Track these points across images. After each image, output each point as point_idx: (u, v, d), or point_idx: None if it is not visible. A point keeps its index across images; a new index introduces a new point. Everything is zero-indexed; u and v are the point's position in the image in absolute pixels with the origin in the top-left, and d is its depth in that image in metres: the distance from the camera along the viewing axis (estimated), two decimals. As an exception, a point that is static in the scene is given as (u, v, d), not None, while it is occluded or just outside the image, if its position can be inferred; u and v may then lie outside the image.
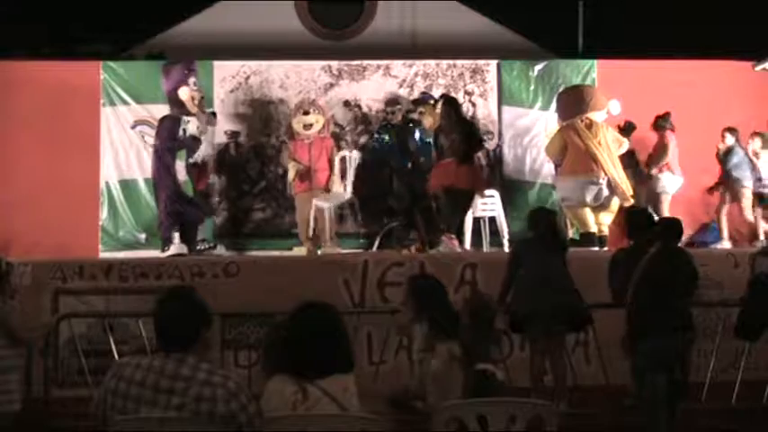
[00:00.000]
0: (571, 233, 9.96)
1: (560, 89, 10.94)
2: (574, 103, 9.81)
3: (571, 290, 6.99)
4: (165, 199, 9.68)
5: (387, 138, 10.42)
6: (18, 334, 5.25)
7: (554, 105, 11.01)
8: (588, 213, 9.50)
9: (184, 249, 9.66)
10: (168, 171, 9.70)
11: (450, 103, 9.82)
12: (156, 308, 3.68)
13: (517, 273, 7.09)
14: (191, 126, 9.91)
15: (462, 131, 9.53)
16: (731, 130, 10.50)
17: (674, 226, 6.39)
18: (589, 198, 9.46)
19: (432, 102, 10.57)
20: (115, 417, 3.54)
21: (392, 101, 10.84)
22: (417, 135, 10.68)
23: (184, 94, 9.85)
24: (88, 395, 7.01)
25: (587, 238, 9.43)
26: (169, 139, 9.74)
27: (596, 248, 9.25)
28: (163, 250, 9.69)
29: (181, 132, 9.84)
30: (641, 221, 6.69)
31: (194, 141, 10.03)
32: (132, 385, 3.53)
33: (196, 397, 3.46)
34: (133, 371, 3.55)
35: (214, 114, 10.30)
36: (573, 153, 9.53)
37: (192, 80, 10.03)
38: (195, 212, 9.93)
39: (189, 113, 9.92)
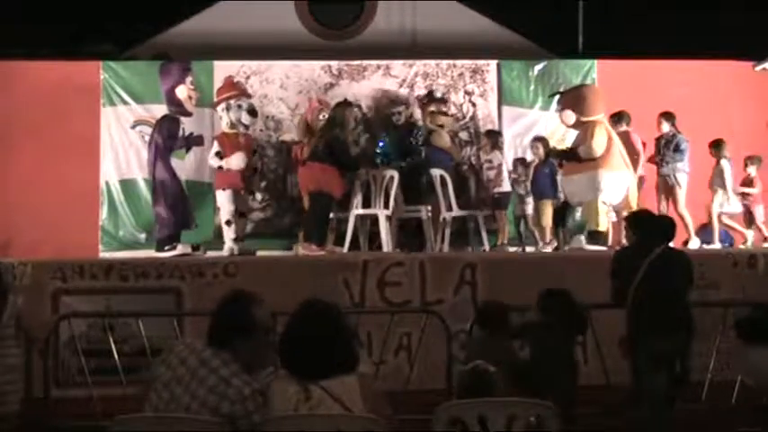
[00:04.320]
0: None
1: (562, 87, 10.98)
2: (598, 101, 9.69)
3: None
4: (166, 198, 9.69)
5: (388, 139, 10.41)
6: (29, 332, 5.24)
7: (554, 105, 11.05)
8: (605, 211, 9.48)
9: (188, 249, 9.66)
10: (171, 171, 9.72)
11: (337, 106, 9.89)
12: (218, 306, 3.86)
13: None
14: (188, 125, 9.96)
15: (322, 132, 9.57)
16: None
17: (670, 226, 6.43)
18: (623, 194, 9.46)
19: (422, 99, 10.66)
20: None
21: (395, 101, 10.82)
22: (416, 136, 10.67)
23: (182, 92, 9.85)
24: (88, 395, 7.11)
25: (599, 237, 9.36)
26: (170, 139, 9.76)
27: (604, 248, 9.20)
28: (161, 250, 9.66)
29: (181, 131, 9.86)
30: (645, 221, 6.68)
31: (197, 139, 10.04)
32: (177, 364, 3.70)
33: (210, 388, 3.55)
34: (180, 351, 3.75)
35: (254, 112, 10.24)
36: (614, 149, 9.45)
37: (188, 79, 10.02)
38: (189, 215, 9.94)
39: (187, 113, 9.92)
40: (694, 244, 10.03)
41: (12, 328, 5.26)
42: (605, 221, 9.38)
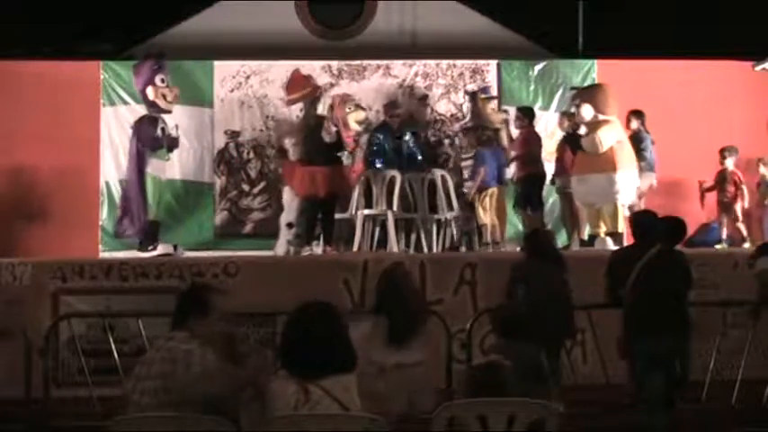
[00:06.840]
0: (586, 233, 9.94)
1: (562, 88, 11.00)
2: (614, 102, 9.66)
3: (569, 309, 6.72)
4: (138, 199, 9.68)
5: (382, 139, 10.37)
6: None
7: (554, 105, 11.06)
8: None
9: (170, 249, 9.63)
10: (140, 173, 9.62)
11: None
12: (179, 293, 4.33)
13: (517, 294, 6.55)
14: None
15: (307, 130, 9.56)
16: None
17: (677, 227, 6.37)
18: (635, 192, 9.54)
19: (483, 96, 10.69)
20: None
21: (393, 103, 10.79)
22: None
23: (151, 94, 9.72)
24: (88, 395, 7.12)
25: (619, 239, 9.34)
26: (148, 140, 9.64)
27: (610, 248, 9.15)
28: (142, 250, 9.62)
29: (159, 132, 9.75)
30: (643, 222, 6.65)
31: (173, 140, 9.92)
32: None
33: (170, 361, 3.90)
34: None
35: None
36: (625, 148, 9.47)
37: (158, 77, 9.81)
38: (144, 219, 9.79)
39: (164, 112, 9.82)
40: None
41: None
42: (623, 223, 9.38)
